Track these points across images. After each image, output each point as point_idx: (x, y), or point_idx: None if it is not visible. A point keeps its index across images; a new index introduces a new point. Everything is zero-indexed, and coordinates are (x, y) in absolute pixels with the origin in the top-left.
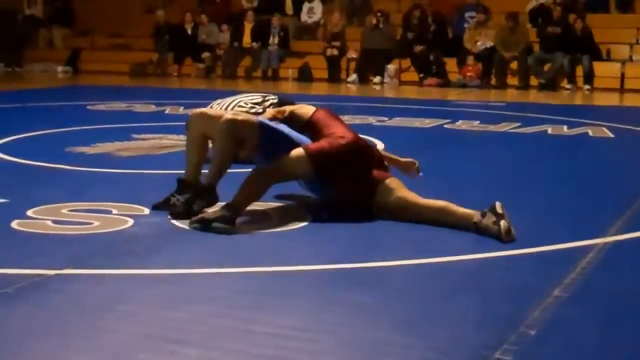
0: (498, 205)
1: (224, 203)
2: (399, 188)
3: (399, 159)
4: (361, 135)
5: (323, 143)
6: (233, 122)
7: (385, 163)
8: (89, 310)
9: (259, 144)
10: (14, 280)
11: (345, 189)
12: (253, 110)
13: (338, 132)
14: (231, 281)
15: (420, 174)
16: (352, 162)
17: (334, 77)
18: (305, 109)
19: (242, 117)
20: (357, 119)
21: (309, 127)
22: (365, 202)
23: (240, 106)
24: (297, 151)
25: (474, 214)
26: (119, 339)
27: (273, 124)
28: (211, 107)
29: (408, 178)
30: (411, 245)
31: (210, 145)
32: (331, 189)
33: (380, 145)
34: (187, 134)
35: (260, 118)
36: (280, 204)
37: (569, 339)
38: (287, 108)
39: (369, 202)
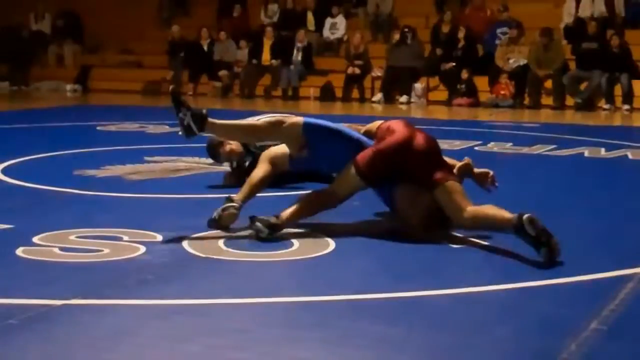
0: (527, 225)
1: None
2: (455, 194)
3: (472, 170)
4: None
5: (368, 151)
6: (275, 122)
7: (455, 171)
8: (98, 342)
9: (306, 143)
10: (18, 311)
11: (407, 186)
12: None
13: (393, 132)
14: (250, 312)
15: (497, 184)
16: (404, 159)
17: (349, 96)
18: (374, 123)
19: (279, 117)
20: None
21: (376, 138)
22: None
23: None
24: (347, 169)
25: (511, 224)
26: None
27: (319, 121)
28: None
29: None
30: (439, 275)
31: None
32: (393, 190)
33: None
34: None
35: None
36: (301, 230)
37: None
38: (361, 128)
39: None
